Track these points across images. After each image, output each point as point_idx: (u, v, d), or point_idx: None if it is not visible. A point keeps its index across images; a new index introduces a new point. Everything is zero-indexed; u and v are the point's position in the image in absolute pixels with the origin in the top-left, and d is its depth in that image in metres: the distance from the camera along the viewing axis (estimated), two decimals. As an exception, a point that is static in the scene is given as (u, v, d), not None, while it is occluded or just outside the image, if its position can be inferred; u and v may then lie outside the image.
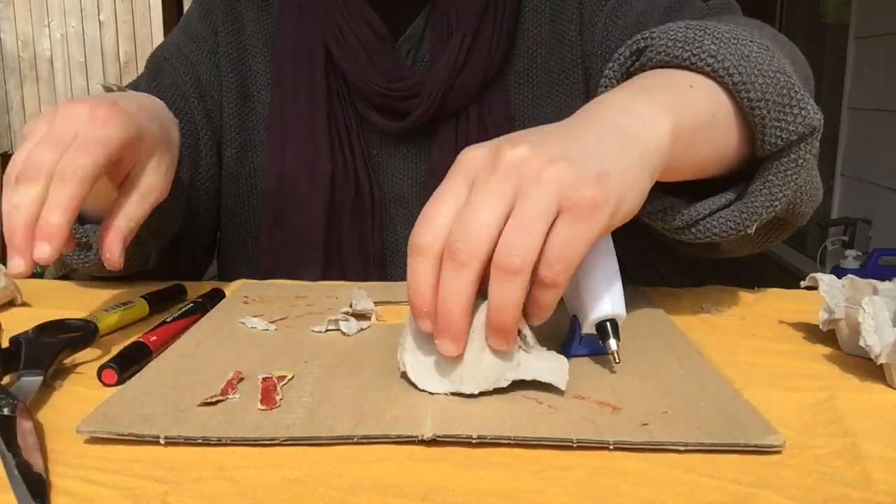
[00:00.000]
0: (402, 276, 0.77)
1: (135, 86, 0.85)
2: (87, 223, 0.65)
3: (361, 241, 0.79)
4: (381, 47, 0.78)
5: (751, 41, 0.52)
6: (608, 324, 0.48)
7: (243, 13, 0.84)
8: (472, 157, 0.43)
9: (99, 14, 6.23)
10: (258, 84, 0.84)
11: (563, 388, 0.43)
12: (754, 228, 0.53)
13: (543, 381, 0.44)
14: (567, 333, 0.50)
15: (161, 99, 0.80)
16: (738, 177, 0.56)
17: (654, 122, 0.46)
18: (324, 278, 0.75)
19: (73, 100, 0.52)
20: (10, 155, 4.36)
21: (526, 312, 0.43)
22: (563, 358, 0.45)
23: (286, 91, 0.81)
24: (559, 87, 0.78)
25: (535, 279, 0.41)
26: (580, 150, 0.42)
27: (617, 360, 0.47)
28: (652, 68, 0.53)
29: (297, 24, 0.81)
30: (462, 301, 0.40)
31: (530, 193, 0.40)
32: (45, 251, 0.46)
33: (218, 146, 0.84)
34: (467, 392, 0.43)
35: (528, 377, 0.44)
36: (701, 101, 0.50)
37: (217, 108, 0.84)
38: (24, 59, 6.35)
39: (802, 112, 0.51)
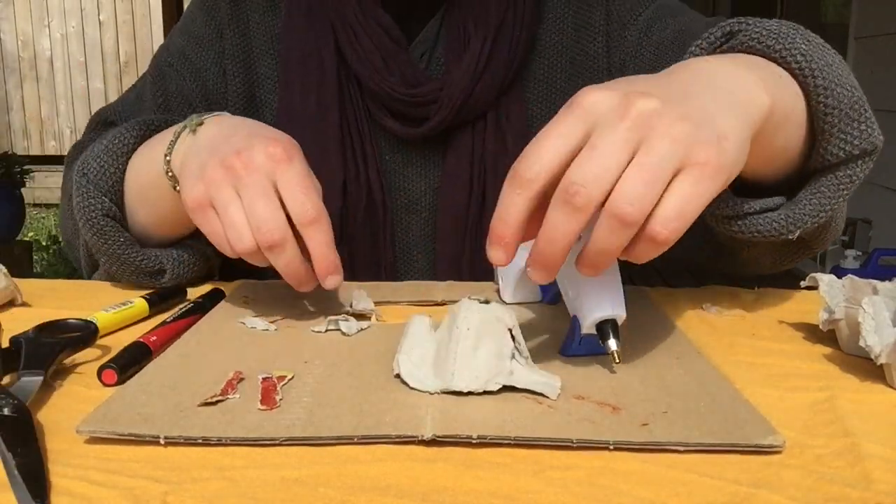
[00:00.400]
0: (420, 258, 0.78)
1: (139, 92, 0.84)
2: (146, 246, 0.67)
3: (373, 249, 0.78)
4: (395, 51, 0.76)
5: (833, 52, 0.53)
6: (608, 324, 0.47)
7: (249, 14, 0.82)
8: (596, 99, 0.41)
9: (99, 14, 6.23)
10: (265, 88, 0.82)
11: (553, 397, 0.43)
12: (797, 234, 0.53)
13: (535, 390, 0.44)
14: (567, 333, 0.50)
15: (167, 106, 0.80)
16: (784, 185, 0.56)
17: (758, 93, 0.46)
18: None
19: (236, 151, 0.54)
20: (10, 155, 4.33)
21: (591, 260, 0.42)
22: (556, 377, 0.45)
23: (294, 95, 0.79)
24: None
25: (640, 234, 0.40)
26: (703, 111, 0.42)
27: (617, 361, 0.47)
28: (741, 52, 0.53)
29: (306, 25, 0.79)
30: (566, 244, 0.40)
31: (657, 147, 0.39)
32: (336, 281, 0.55)
33: None
34: (457, 388, 0.43)
35: (519, 385, 0.44)
36: (787, 92, 0.51)
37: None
38: (24, 59, 6.35)
39: (868, 129, 0.51)
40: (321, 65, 0.78)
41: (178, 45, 0.84)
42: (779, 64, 0.52)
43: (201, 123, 0.61)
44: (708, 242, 0.63)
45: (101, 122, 0.82)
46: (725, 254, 0.63)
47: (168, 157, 0.62)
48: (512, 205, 0.41)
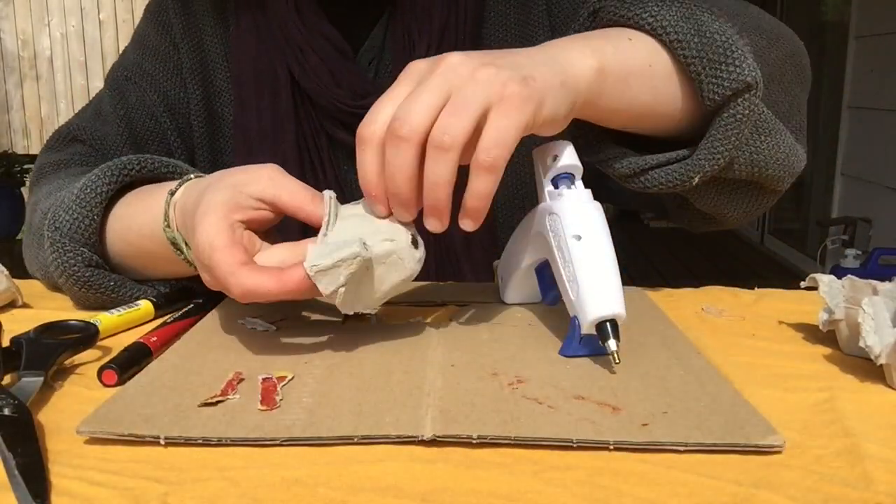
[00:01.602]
0: (466, 263, 0.77)
1: (96, 108, 0.81)
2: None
3: None
4: (342, 63, 0.75)
5: (696, 6, 0.56)
6: (608, 324, 0.48)
7: (201, 27, 0.81)
8: (416, 65, 0.49)
9: (99, 13, 6.23)
10: (221, 101, 0.81)
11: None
12: (697, 181, 0.57)
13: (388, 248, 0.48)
14: (567, 334, 0.50)
15: (130, 120, 0.78)
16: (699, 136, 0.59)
17: (581, 58, 0.52)
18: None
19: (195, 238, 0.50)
20: (10, 154, 4.34)
21: (436, 199, 0.47)
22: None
23: (249, 112, 0.78)
24: None
25: (472, 169, 0.46)
26: (510, 61, 0.48)
27: (617, 361, 0.47)
28: (605, 27, 0.59)
29: (256, 43, 0.78)
30: (406, 174, 0.46)
31: (463, 89, 0.46)
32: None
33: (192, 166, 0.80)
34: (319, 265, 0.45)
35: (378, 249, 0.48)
36: (636, 51, 0.56)
37: (187, 126, 0.81)
38: (24, 59, 6.35)
39: (737, 69, 0.54)
40: (275, 82, 0.77)
41: (133, 59, 0.82)
42: (634, 28, 0.57)
43: (186, 244, 0.56)
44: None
45: (66, 139, 0.80)
46: (684, 207, 0.66)
47: (183, 257, 0.58)
48: (366, 162, 0.48)
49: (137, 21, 0.86)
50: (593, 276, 0.49)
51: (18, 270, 0.70)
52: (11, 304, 0.64)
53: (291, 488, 0.35)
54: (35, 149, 6.35)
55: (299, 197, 0.52)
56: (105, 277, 0.63)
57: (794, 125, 0.65)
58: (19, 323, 0.55)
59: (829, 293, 0.54)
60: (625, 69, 0.54)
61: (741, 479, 0.36)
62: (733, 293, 0.69)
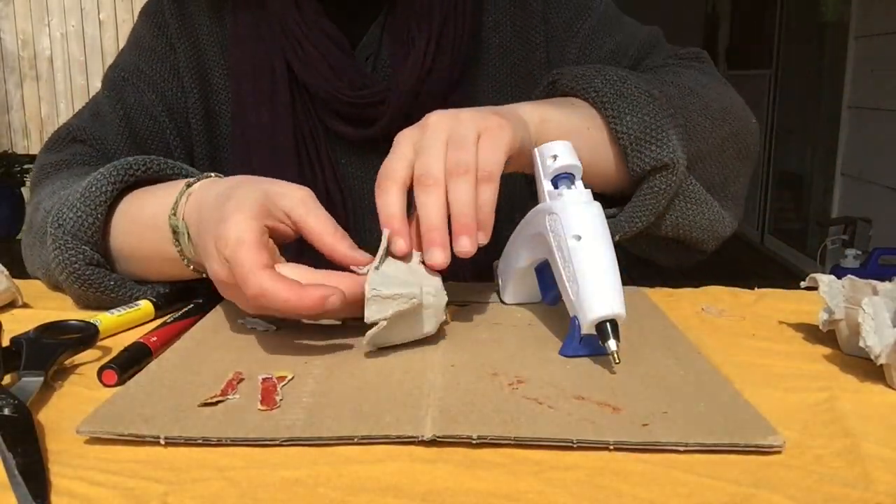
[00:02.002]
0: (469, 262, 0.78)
1: (94, 109, 0.81)
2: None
3: None
4: (341, 57, 0.77)
5: (637, 87, 0.65)
6: (608, 324, 0.48)
7: (197, 27, 0.81)
8: (407, 133, 0.56)
9: (99, 13, 6.23)
10: (219, 99, 0.81)
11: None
12: (618, 238, 0.64)
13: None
14: (567, 334, 0.50)
15: (129, 120, 0.78)
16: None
17: (529, 111, 0.61)
18: None
19: (216, 235, 0.51)
20: (10, 154, 4.33)
21: (465, 216, 0.52)
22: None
23: (247, 107, 0.78)
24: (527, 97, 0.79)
25: (477, 185, 0.52)
26: (479, 108, 0.57)
27: (617, 361, 0.47)
28: (558, 96, 0.68)
29: (253, 37, 0.79)
30: (440, 212, 0.52)
31: (457, 129, 0.54)
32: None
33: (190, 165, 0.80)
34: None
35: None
36: (577, 115, 0.64)
37: (186, 126, 0.81)
38: (24, 59, 6.35)
39: (659, 150, 0.62)
40: (273, 76, 0.78)
41: (130, 60, 0.81)
42: (581, 98, 0.66)
43: (187, 232, 0.58)
44: None
45: (66, 139, 0.79)
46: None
47: (189, 265, 0.59)
48: (392, 203, 0.53)
49: (137, 21, 0.85)
50: (593, 277, 0.49)
51: (18, 270, 0.70)
52: (11, 304, 0.64)
53: (291, 488, 0.35)
54: (35, 149, 6.35)
55: (325, 226, 0.53)
56: (105, 276, 0.63)
57: (730, 194, 0.73)
58: (19, 323, 0.55)
59: (829, 293, 0.54)
60: (565, 126, 0.63)
61: (741, 479, 0.36)
62: (733, 293, 0.69)
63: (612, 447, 0.38)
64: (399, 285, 0.49)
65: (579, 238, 0.50)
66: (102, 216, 0.63)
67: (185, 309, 0.58)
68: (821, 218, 3.82)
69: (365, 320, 0.48)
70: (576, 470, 0.37)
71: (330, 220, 0.54)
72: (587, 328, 0.48)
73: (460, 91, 0.79)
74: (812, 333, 0.58)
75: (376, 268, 0.52)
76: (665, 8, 5.44)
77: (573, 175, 0.54)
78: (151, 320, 0.60)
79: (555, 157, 0.54)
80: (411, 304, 0.49)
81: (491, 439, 0.39)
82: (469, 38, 0.78)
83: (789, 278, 0.69)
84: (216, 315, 0.59)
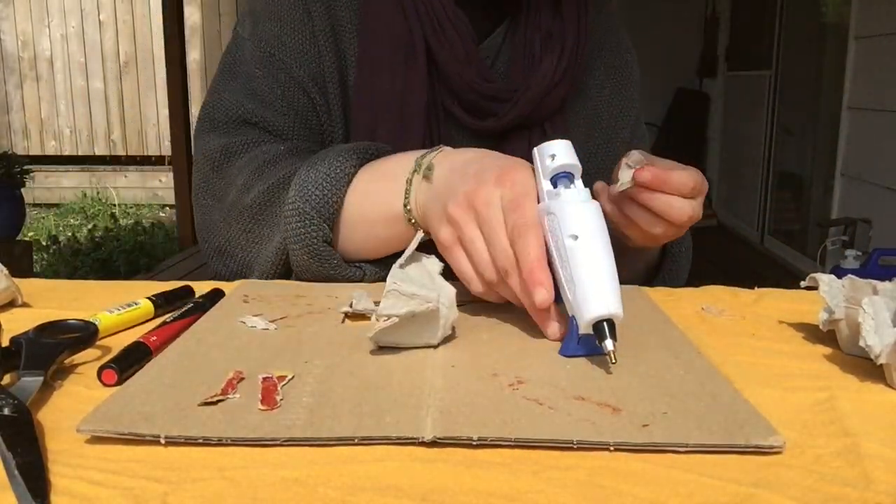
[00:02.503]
0: None
1: (247, 87, 0.80)
2: None
3: None
4: (473, 48, 0.80)
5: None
6: (605, 324, 0.48)
7: None
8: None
9: (99, 14, 6.23)
10: (348, 64, 0.81)
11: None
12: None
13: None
14: (566, 333, 0.50)
15: (288, 100, 0.80)
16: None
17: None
18: None
19: (474, 190, 0.58)
20: (11, 155, 4.32)
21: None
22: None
23: (381, 73, 0.79)
24: (609, 153, 0.90)
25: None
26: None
27: (613, 361, 0.47)
28: None
29: (393, 10, 0.80)
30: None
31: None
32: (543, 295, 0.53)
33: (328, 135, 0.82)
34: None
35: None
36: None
37: (326, 94, 0.81)
38: (24, 59, 6.35)
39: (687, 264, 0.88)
40: (412, 48, 0.79)
41: (271, 31, 0.80)
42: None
43: (430, 168, 0.65)
44: None
45: (234, 121, 0.79)
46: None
47: (408, 206, 0.67)
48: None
49: (137, 22, 0.85)
50: (590, 276, 0.49)
51: (18, 270, 0.70)
52: (11, 304, 0.64)
53: (291, 488, 0.35)
54: (35, 149, 6.35)
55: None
56: (333, 255, 0.70)
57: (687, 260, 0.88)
58: (19, 322, 0.55)
59: (829, 293, 0.54)
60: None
61: (741, 479, 0.36)
62: (733, 293, 0.69)
63: (612, 448, 0.38)
64: (418, 287, 0.50)
65: (576, 238, 0.50)
66: (343, 196, 0.70)
67: (185, 308, 0.58)
68: (821, 219, 3.82)
69: (377, 312, 0.49)
70: (576, 470, 0.37)
71: None
72: (584, 328, 0.48)
73: (561, 114, 0.85)
74: (812, 333, 0.58)
75: (401, 266, 0.52)
76: (665, 9, 5.45)
77: (572, 174, 0.54)
78: (151, 319, 0.60)
79: (553, 156, 0.54)
80: (426, 308, 0.49)
81: (491, 440, 0.39)
82: (579, 73, 0.86)
83: (789, 279, 0.69)
84: (216, 314, 0.59)
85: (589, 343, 0.49)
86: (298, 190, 0.69)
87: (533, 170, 0.57)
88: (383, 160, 0.72)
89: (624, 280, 0.53)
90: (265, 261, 0.74)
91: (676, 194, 0.62)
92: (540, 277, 0.52)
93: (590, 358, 0.49)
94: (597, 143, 0.90)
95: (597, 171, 0.85)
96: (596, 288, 0.48)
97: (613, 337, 0.47)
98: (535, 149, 0.56)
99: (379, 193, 0.69)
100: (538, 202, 0.55)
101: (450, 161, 0.65)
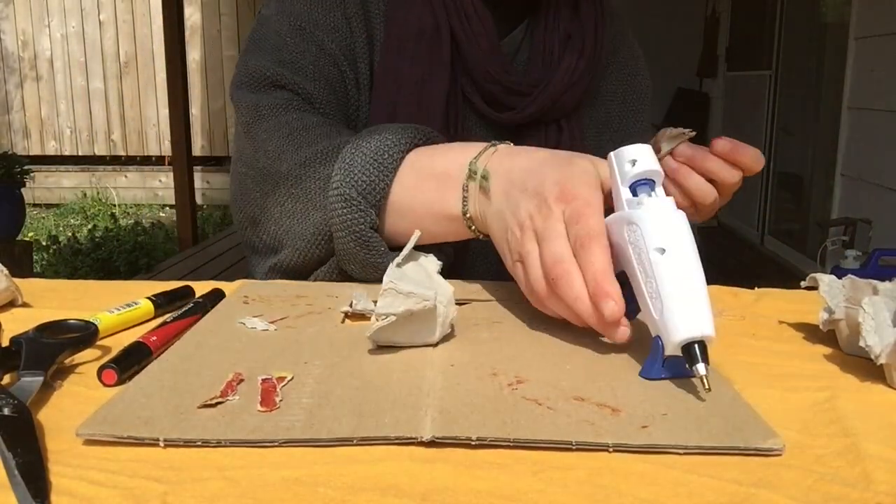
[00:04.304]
0: (482, 264, 0.81)
1: (276, 55, 0.78)
2: None
3: None
4: (496, 41, 0.82)
5: None
6: (696, 346, 0.44)
7: None
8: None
9: (99, 14, 6.23)
10: (375, 48, 0.82)
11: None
12: None
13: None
14: (649, 354, 0.47)
15: (319, 69, 0.79)
16: None
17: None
18: None
19: (537, 208, 0.56)
20: (11, 155, 4.33)
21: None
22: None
23: (404, 59, 0.79)
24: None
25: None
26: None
27: (707, 388, 0.43)
28: None
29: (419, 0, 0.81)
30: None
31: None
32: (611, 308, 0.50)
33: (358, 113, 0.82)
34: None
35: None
36: None
37: (357, 72, 0.81)
38: (24, 59, 6.35)
39: None
40: (437, 37, 0.80)
41: (302, 10, 0.80)
42: None
43: (486, 177, 0.63)
44: None
45: (265, 82, 0.78)
46: None
47: (467, 214, 0.65)
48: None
49: (137, 22, 0.85)
50: (679, 294, 0.45)
51: (18, 270, 0.70)
52: (11, 304, 0.64)
53: (291, 488, 0.35)
54: (35, 149, 6.36)
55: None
56: (379, 242, 0.67)
57: None
58: (19, 322, 0.55)
59: (829, 293, 0.54)
60: None
61: (741, 479, 0.36)
62: (733, 293, 0.69)
63: (611, 449, 0.38)
64: (415, 286, 0.50)
65: (663, 251, 0.47)
66: (390, 181, 0.67)
67: (185, 308, 0.58)
68: (821, 219, 3.82)
69: (375, 311, 0.49)
70: (575, 470, 0.37)
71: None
72: (672, 349, 0.45)
73: (578, 113, 0.87)
74: (812, 333, 0.58)
75: (398, 264, 0.52)
76: (665, 9, 5.45)
77: (653, 181, 0.51)
78: (151, 319, 0.60)
79: (633, 161, 0.51)
80: (423, 306, 0.49)
81: (490, 441, 0.38)
82: (599, 76, 0.87)
83: (789, 279, 0.69)
84: (216, 315, 0.59)
85: (676, 366, 0.45)
86: (344, 175, 0.67)
87: (592, 177, 0.55)
88: (432, 151, 0.69)
89: None
90: (300, 238, 0.71)
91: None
92: (607, 289, 0.49)
93: (590, 358, 0.49)
94: (605, 150, 0.89)
95: None
96: (686, 307, 0.45)
97: (706, 360, 0.43)
98: (612, 154, 0.53)
99: (430, 191, 0.67)
100: (604, 213, 0.53)
101: (505, 170, 0.62)
